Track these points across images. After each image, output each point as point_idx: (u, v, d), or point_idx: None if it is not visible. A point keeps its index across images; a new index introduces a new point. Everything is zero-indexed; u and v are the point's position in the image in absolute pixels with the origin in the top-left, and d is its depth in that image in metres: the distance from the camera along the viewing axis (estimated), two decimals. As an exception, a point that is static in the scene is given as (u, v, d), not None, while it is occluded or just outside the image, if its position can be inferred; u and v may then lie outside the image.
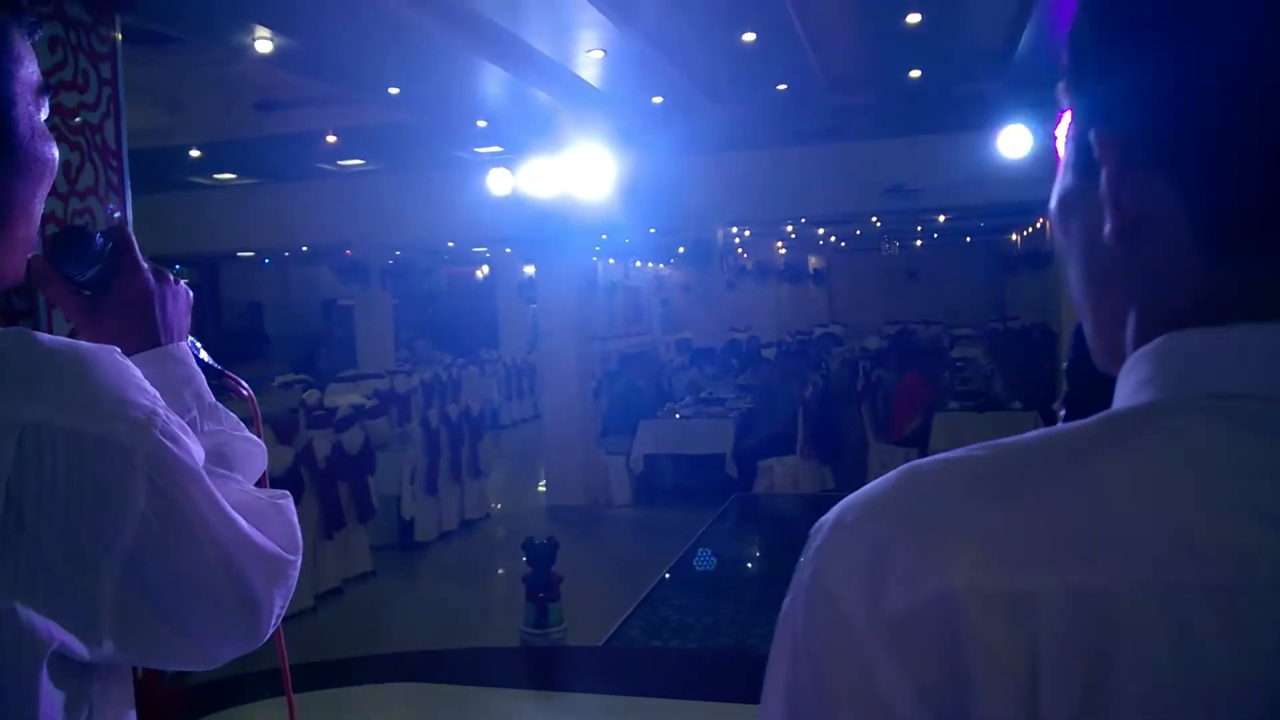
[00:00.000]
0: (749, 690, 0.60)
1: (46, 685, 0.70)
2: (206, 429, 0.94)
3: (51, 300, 1.01)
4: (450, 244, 16.47)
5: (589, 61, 6.69)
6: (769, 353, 12.76)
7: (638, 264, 25.95)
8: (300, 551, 0.89)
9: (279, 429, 6.81)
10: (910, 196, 9.60)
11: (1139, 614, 0.47)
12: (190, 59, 6.65)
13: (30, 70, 0.80)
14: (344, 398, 10.16)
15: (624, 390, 9.16)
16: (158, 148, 8.32)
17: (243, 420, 1.02)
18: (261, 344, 19.79)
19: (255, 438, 1.00)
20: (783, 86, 7.37)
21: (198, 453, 0.79)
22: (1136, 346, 0.55)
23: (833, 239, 22.16)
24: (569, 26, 5.81)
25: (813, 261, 26.13)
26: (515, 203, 8.32)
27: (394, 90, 7.08)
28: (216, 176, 10.99)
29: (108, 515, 0.72)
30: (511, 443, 12.49)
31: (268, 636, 0.87)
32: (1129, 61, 0.53)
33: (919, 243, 23.23)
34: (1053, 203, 0.60)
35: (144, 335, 0.96)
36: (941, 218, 16.76)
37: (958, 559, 0.49)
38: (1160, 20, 0.52)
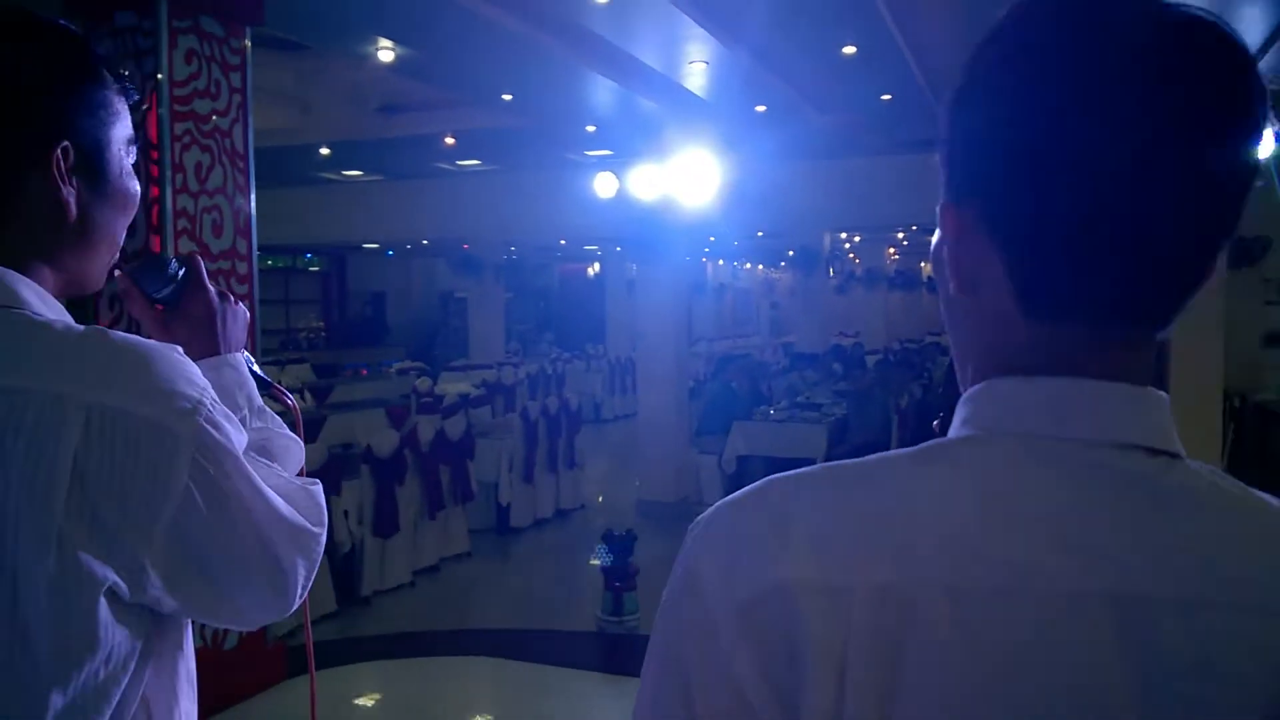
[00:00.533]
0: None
1: (106, 618, 0.85)
2: (254, 426, 1.10)
3: (130, 312, 1.16)
4: (562, 241, 16.81)
5: (693, 72, 6.86)
6: (873, 360, 12.66)
7: (747, 266, 25.95)
8: (325, 526, 1.04)
9: (391, 413, 7.19)
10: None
11: (930, 610, 0.55)
12: (319, 65, 7.11)
13: (125, 124, 1.01)
14: (453, 386, 10.55)
15: (719, 391, 9.28)
16: (290, 146, 8.84)
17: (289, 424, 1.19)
18: (382, 331, 20.56)
19: (295, 436, 1.16)
20: (887, 96, 7.38)
21: (239, 440, 0.94)
22: (971, 385, 0.64)
23: (948, 246, 21.71)
24: (674, 41, 5.98)
25: (927, 269, 25.64)
26: (622, 204, 8.54)
27: (507, 97, 7.39)
28: (344, 173, 11.55)
29: (156, 486, 0.86)
30: (612, 436, 12.73)
31: (296, 605, 1.00)
32: (964, 141, 0.62)
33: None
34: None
35: (206, 345, 1.13)
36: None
37: (794, 555, 0.58)
38: (986, 107, 0.60)
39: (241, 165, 4.21)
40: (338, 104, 8.16)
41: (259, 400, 1.15)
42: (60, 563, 0.83)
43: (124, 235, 1.05)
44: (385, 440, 6.15)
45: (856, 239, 17.72)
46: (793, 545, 0.58)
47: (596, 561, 5.44)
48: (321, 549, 1.03)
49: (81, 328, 0.92)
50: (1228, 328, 6.12)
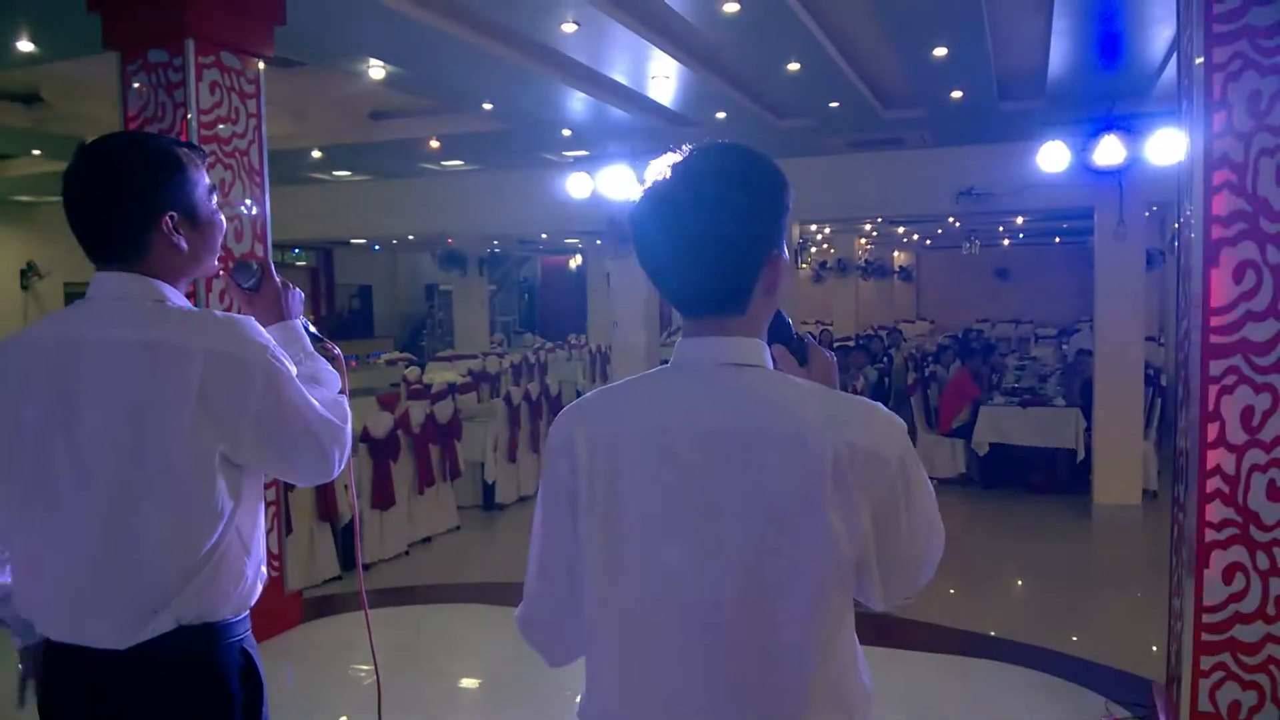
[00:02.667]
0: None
1: (218, 470, 1.58)
2: (305, 364, 1.82)
3: (231, 296, 1.91)
4: (543, 235, 17.32)
5: (657, 86, 7.48)
6: (848, 346, 13.23)
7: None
8: (349, 422, 1.74)
9: (382, 401, 7.74)
10: (982, 200, 10.07)
11: (630, 440, 1.23)
12: (314, 79, 7.69)
13: (204, 183, 1.72)
14: (441, 375, 11.12)
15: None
16: (285, 150, 9.37)
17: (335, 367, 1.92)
18: (370, 323, 20.99)
19: (333, 369, 1.87)
20: (835, 104, 8.02)
21: (291, 369, 1.65)
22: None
23: (915, 236, 22.32)
24: (638, 60, 6.61)
25: (900, 258, 26.23)
26: (597, 200, 9.13)
27: (487, 106, 7.98)
28: (334, 173, 12.06)
29: (244, 394, 1.56)
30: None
31: (337, 472, 1.71)
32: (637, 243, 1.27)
33: (1007, 242, 23.14)
34: None
35: (277, 315, 1.88)
36: (1020, 219, 16.97)
37: (578, 420, 1.29)
38: (635, 238, 1.26)
39: (257, 180, 4.82)
40: (330, 113, 8.72)
41: (310, 348, 1.87)
42: (194, 436, 1.55)
43: (220, 244, 1.77)
44: (380, 422, 6.73)
45: (827, 230, 18.30)
46: (578, 417, 1.30)
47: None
48: (348, 437, 1.74)
49: (199, 309, 1.67)
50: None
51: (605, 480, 1.24)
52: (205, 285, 4.37)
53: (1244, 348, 2.81)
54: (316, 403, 1.66)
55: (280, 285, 1.88)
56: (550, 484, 1.31)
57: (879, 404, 1.24)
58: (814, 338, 1.43)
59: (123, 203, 1.60)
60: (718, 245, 1.20)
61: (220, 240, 1.74)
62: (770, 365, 1.28)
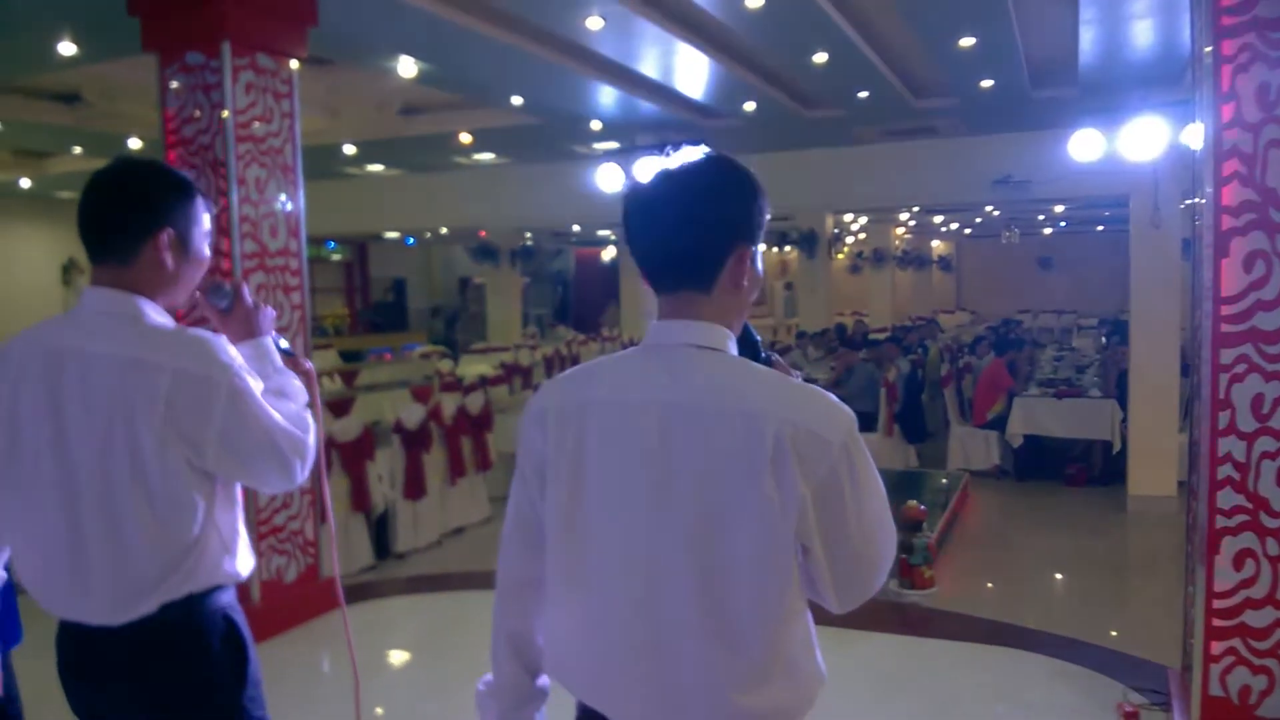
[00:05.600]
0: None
1: (186, 474, 1.71)
2: (274, 381, 1.92)
3: (201, 315, 2.04)
4: (575, 228, 17.41)
5: (685, 79, 7.52)
6: (880, 337, 13.22)
7: (760, 248, 26.35)
8: (310, 432, 1.87)
9: (415, 393, 7.88)
10: (1017, 188, 10.01)
11: (597, 409, 1.38)
12: (348, 77, 7.83)
13: (205, 224, 1.88)
14: (474, 368, 11.25)
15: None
16: (318, 145, 9.53)
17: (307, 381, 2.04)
18: (404, 316, 21.20)
19: (300, 384, 1.98)
20: (864, 94, 8.01)
21: (256, 386, 1.78)
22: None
23: (954, 226, 22.13)
24: (668, 53, 6.67)
25: (939, 248, 26.01)
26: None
27: (518, 100, 8.07)
28: (367, 168, 12.22)
29: (208, 410, 1.70)
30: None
31: (299, 481, 1.84)
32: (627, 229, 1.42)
33: (1048, 230, 22.86)
34: None
35: (248, 332, 1.97)
36: (1059, 207, 16.78)
37: (551, 394, 1.45)
38: (625, 225, 1.42)
39: (291, 177, 4.95)
40: (362, 108, 8.86)
41: (279, 363, 1.99)
42: (160, 445, 1.70)
43: (198, 281, 1.91)
44: (413, 413, 6.86)
45: (864, 220, 18.20)
46: (553, 390, 1.45)
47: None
48: (309, 448, 1.87)
49: (174, 326, 1.81)
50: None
51: (572, 448, 1.38)
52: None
53: (1254, 336, 2.82)
54: (279, 416, 1.80)
55: (250, 305, 1.99)
56: (523, 452, 1.45)
57: (829, 393, 1.33)
58: (779, 355, 1.55)
59: (133, 209, 1.77)
60: (686, 220, 1.36)
61: (199, 279, 1.89)
62: (734, 353, 1.39)
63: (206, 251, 1.87)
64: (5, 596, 2.33)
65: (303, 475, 1.84)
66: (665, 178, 1.37)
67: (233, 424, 1.72)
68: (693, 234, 1.36)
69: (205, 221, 1.87)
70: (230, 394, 1.72)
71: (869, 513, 1.32)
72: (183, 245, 1.82)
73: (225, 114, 4.58)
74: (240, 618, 1.83)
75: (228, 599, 1.83)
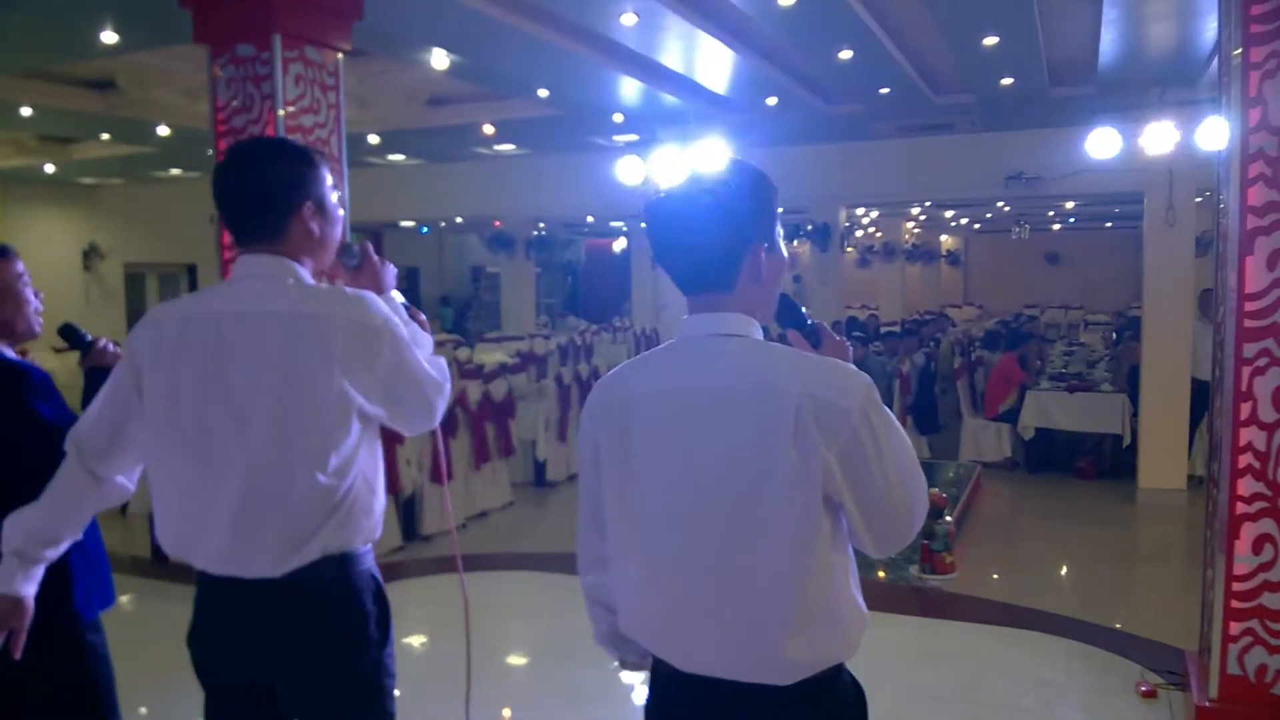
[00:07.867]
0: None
1: (355, 417, 1.85)
2: (409, 329, 2.04)
3: (334, 275, 2.14)
4: (590, 219, 17.51)
5: (711, 73, 7.64)
6: (894, 330, 13.32)
7: (780, 233, 26.35)
8: (449, 378, 2.02)
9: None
10: (1031, 184, 10.11)
11: (640, 402, 1.55)
12: (378, 68, 7.96)
13: (330, 178, 1.99)
14: (490, 356, 11.39)
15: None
16: (346, 134, 9.67)
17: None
18: (417, 304, 21.22)
19: (428, 334, 2.13)
20: (885, 90, 8.12)
21: (406, 333, 1.93)
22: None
23: (964, 221, 22.19)
24: (694, 48, 6.78)
25: (948, 242, 26.03)
26: (646, 183, 9.29)
27: (543, 92, 8.19)
28: (389, 157, 12.34)
29: (375, 356, 1.84)
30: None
31: (437, 422, 2.01)
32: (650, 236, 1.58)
33: (1057, 226, 22.90)
34: None
35: (377, 288, 2.11)
36: (1070, 204, 16.86)
37: (605, 388, 1.62)
38: (649, 233, 1.58)
39: (337, 167, 5.09)
40: (391, 99, 8.99)
41: (405, 315, 2.11)
42: (336, 392, 1.82)
43: (339, 233, 2.04)
44: (439, 399, 7.00)
45: (874, 214, 18.28)
46: (606, 384, 1.62)
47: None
48: (447, 392, 2.03)
49: (329, 286, 1.96)
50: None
51: (620, 436, 1.54)
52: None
53: (1276, 331, 2.96)
54: (423, 362, 1.95)
55: (377, 263, 2.14)
56: (583, 446, 1.63)
57: (847, 364, 1.49)
58: (825, 325, 1.70)
59: (274, 190, 1.88)
60: (700, 234, 1.51)
61: (339, 234, 2.01)
62: (759, 337, 1.54)
63: (338, 206, 1.99)
64: (99, 558, 2.44)
65: (440, 416, 2.00)
66: (678, 196, 1.52)
67: (394, 368, 1.86)
68: (707, 246, 1.50)
69: (329, 178, 1.97)
70: (392, 341, 1.87)
71: (895, 468, 1.44)
72: (321, 210, 1.93)
73: (276, 108, 4.71)
74: (380, 575, 1.94)
75: (372, 560, 1.94)
